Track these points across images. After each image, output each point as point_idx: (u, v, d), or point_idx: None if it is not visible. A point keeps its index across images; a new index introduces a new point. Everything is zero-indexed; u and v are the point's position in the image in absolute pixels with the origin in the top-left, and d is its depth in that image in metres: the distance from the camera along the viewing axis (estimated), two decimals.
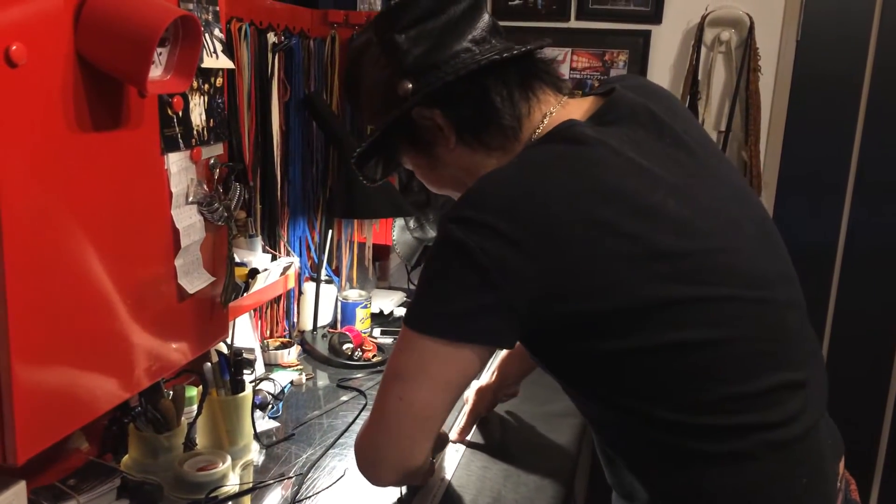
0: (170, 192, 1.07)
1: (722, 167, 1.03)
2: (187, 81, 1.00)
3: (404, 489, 1.26)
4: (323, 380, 1.80)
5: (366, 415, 1.40)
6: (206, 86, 1.13)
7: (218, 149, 1.18)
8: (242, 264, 1.49)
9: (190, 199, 1.11)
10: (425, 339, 0.92)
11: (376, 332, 2.06)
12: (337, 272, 2.15)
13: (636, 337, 0.88)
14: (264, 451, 1.44)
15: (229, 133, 1.38)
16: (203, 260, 1.16)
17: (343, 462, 1.39)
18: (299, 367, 1.81)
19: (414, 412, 0.96)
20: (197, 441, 1.40)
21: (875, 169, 2.61)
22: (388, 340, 2.01)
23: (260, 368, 1.74)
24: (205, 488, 1.24)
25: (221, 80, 1.17)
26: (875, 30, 2.53)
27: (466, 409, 1.48)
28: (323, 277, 2.02)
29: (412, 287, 2.39)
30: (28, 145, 0.82)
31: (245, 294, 1.48)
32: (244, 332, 1.69)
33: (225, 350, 1.42)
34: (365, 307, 2.06)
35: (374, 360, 1.87)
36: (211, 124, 1.15)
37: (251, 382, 1.51)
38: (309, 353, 1.92)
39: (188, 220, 1.11)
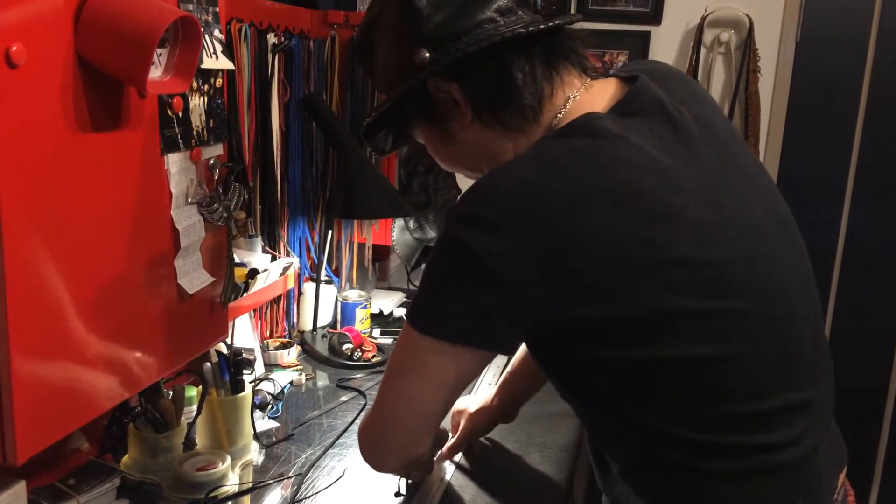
0: (170, 192, 1.07)
1: (747, 160, 0.99)
2: (187, 82, 1.00)
3: (403, 489, 1.26)
4: (322, 380, 1.80)
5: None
6: (206, 86, 1.14)
7: (218, 149, 1.18)
8: (242, 265, 1.50)
9: (190, 199, 1.11)
10: (425, 339, 0.91)
11: (376, 332, 2.07)
12: (337, 272, 2.15)
13: (645, 348, 0.85)
14: (264, 451, 1.44)
15: (229, 133, 1.38)
16: (203, 260, 1.16)
17: (342, 462, 1.39)
18: (299, 367, 1.81)
19: (413, 408, 0.97)
20: (196, 441, 1.40)
21: (875, 169, 2.61)
22: (387, 341, 2.01)
23: (259, 368, 1.74)
24: (204, 488, 1.24)
25: (221, 80, 1.18)
26: (874, 31, 2.53)
27: (461, 425, 1.39)
28: (323, 278, 2.02)
29: (412, 288, 2.39)
30: (28, 146, 0.82)
31: (245, 294, 1.48)
32: (244, 333, 1.69)
33: (225, 350, 1.42)
34: (365, 307, 2.06)
35: (374, 360, 1.87)
36: (211, 125, 1.15)
37: (251, 382, 1.51)
38: (308, 353, 1.92)
39: (188, 221, 1.11)
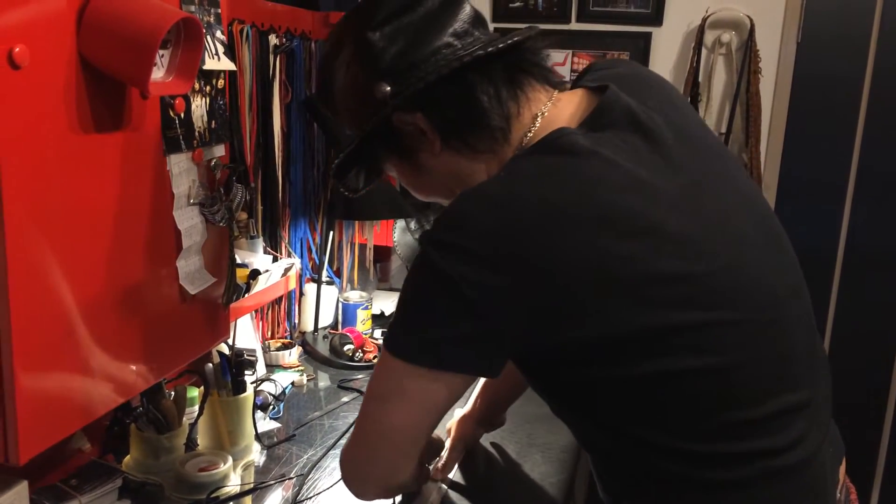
0: (171, 193, 1.07)
1: (725, 164, 0.96)
2: (189, 83, 1.00)
3: (398, 497, 1.24)
4: (324, 381, 1.80)
5: None
6: (208, 87, 1.14)
7: (219, 150, 1.19)
8: (244, 265, 1.50)
9: (191, 200, 1.12)
10: (405, 366, 0.87)
11: (377, 333, 2.07)
12: (338, 273, 2.15)
13: (634, 365, 0.83)
14: (265, 451, 1.44)
15: (231, 134, 1.38)
16: (204, 261, 1.17)
17: None
18: (300, 368, 1.82)
19: (393, 436, 0.92)
20: (198, 441, 1.40)
21: (876, 171, 2.61)
22: None
23: (261, 369, 1.74)
24: (206, 489, 1.25)
25: (223, 81, 1.18)
26: (875, 31, 2.53)
27: (448, 443, 1.36)
28: (324, 279, 2.03)
29: None
30: (30, 146, 0.82)
31: (246, 295, 1.48)
32: (245, 333, 1.69)
33: (226, 351, 1.42)
34: (366, 308, 2.06)
35: (375, 361, 1.87)
36: (212, 126, 1.16)
37: (252, 383, 1.52)
38: (310, 354, 1.93)
39: (190, 222, 1.11)
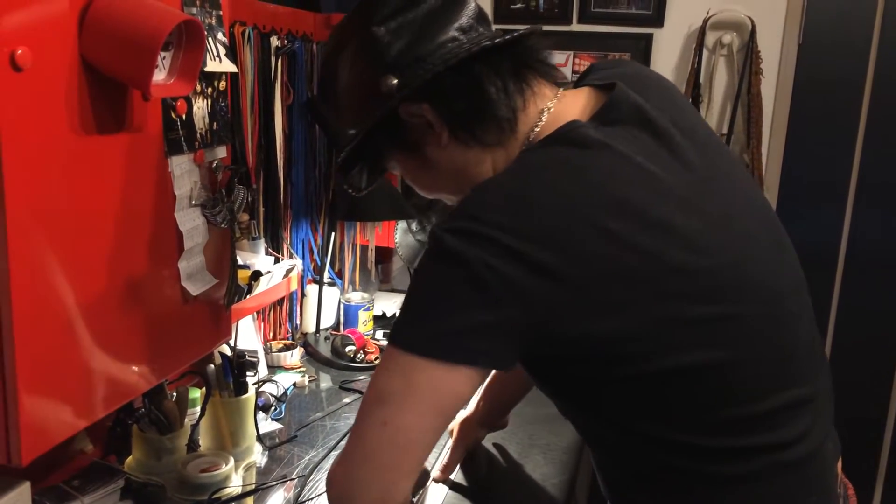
0: (173, 194, 1.07)
1: (727, 164, 0.97)
2: (190, 85, 1.00)
3: None
4: (325, 382, 1.81)
5: None
6: (210, 89, 1.14)
7: (221, 152, 1.19)
8: (245, 266, 1.50)
9: (193, 201, 1.12)
10: (415, 359, 0.83)
11: (379, 334, 2.07)
12: (340, 274, 2.15)
13: (645, 360, 0.83)
14: (267, 452, 1.44)
15: (232, 136, 1.39)
16: (206, 262, 1.17)
17: None
18: (302, 369, 1.82)
19: (399, 440, 0.84)
20: (200, 442, 1.40)
21: (877, 172, 2.60)
22: None
23: (263, 370, 1.74)
24: (208, 489, 1.25)
25: (225, 83, 1.18)
26: (877, 33, 2.53)
27: (450, 443, 1.36)
28: (326, 280, 2.03)
29: None
30: (33, 149, 0.82)
31: (248, 296, 1.48)
32: (247, 335, 1.70)
33: (228, 352, 1.43)
34: (367, 309, 2.06)
35: (377, 362, 1.87)
36: (214, 127, 1.16)
37: (254, 384, 1.52)
38: (312, 355, 1.93)
39: (191, 223, 1.12)
